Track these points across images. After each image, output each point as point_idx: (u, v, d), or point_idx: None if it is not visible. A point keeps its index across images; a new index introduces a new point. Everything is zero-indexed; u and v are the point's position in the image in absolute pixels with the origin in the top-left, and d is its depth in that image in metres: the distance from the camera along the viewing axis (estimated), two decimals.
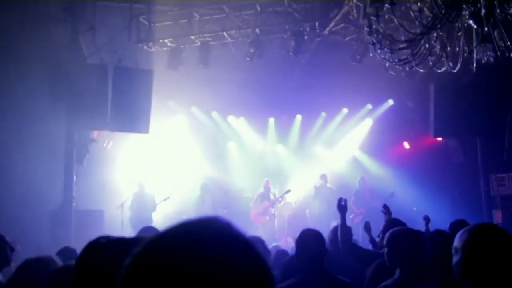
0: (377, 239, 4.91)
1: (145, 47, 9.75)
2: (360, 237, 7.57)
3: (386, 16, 6.28)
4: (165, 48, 9.86)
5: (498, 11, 4.73)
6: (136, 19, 9.49)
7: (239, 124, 13.15)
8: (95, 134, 10.17)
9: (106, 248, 1.43)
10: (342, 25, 8.83)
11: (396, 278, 2.81)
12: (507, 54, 5.32)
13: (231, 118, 13.10)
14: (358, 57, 9.09)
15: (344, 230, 4.31)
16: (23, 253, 6.07)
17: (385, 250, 2.95)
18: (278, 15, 9.21)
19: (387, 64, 6.76)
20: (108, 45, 9.37)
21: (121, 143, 11.19)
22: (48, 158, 8.83)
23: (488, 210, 9.94)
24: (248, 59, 9.30)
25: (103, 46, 9.34)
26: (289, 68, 10.92)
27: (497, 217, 9.52)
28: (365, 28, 6.10)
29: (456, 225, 3.99)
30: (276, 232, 10.89)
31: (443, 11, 4.63)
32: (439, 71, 6.08)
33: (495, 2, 4.62)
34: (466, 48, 5.48)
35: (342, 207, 4.35)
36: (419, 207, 10.51)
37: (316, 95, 11.57)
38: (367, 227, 5.47)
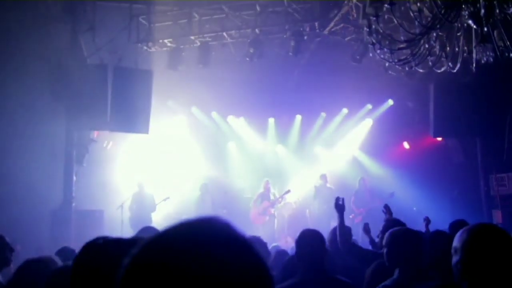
0: (376, 239, 4.91)
1: (145, 47, 9.75)
2: (360, 238, 7.57)
3: (386, 16, 6.27)
4: (164, 48, 9.87)
5: (497, 11, 4.73)
6: (136, 19, 9.49)
7: (239, 124, 13.15)
8: (95, 134, 10.17)
9: (103, 249, 1.43)
10: (341, 25, 8.83)
11: (396, 278, 2.81)
12: (506, 54, 5.32)
13: (231, 118, 13.10)
14: (357, 57, 9.09)
15: (342, 229, 4.31)
16: (23, 253, 6.08)
17: (385, 250, 2.95)
18: (278, 15, 9.21)
19: (387, 64, 6.77)
20: (108, 45, 9.37)
21: (121, 143, 11.20)
22: (48, 158, 8.84)
23: (488, 210, 9.95)
24: (247, 59, 9.30)
25: (103, 46, 9.35)
26: (288, 68, 10.92)
27: (497, 217, 9.52)
28: (365, 28, 6.10)
29: (456, 225, 3.99)
30: (276, 232, 10.89)
31: (442, 11, 4.63)
32: (439, 71, 6.08)
33: (495, 2, 4.62)
34: (465, 48, 5.49)
35: (339, 206, 4.34)
36: (419, 207, 10.52)
37: (315, 95, 11.58)
38: (366, 229, 5.46)
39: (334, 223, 5.54)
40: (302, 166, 12.60)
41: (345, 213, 4.45)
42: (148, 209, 10.04)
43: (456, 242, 1.89)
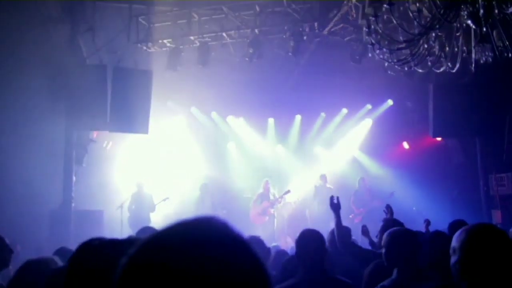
0: (375, 240, 4.91)
1: (144, 48, 9.75)
2: (359, 238, 7.57)
3: (385, 17, 6.28)
4: (164, 49, 9.87)
5: (496, 11, 4.73)
6: (135, 19, 9.49)
7: (239, 124, 13.15)
8: (94, 134, 10.18)
9: (98, 250, 1.43)
10: (341, 25, 8.83)
11: (394, 278, 2.81)
12: (505, 54, 5.33)
13: (230, 119, 13.10)
14: (357, 57, 9.09)
15: (340, 228, 4.30)
16: (23, 253, 6.08)
17: (383, 250, 2.95)
18: (277, 15, 9.21)
19: (386, 64, 6.77)
20: (107, 46, 9.38)
21: (120, 144, 11.20)
22: (48, 158, 8.84)
23: (488, 210, 9.95)
24: (247, 59, 9.30)
25: (103, 47, 9.36)
26: (288, 68, 10.92)
27: (497, 217, 9.53)
28: (364, 29, 6.11)
29: (455, 225, 3.99)
30: (275, 232, 10.88)
31: (441, 12, 4.64)
32: (438, 71, 6.09)
33: (494, 2, 4.62)
34: (464, 48, 5.49)
35: (334, 205, 4.34)
36: (419, 207, 10.53)
37: (315, 95, 11.58)
38: (365, 231, 5.45)
39: (334, 223, 5.53)
40: (301, 166, 12.60)
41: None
42: (147, 209, 10.04)
43: (454, 242, 1.89)
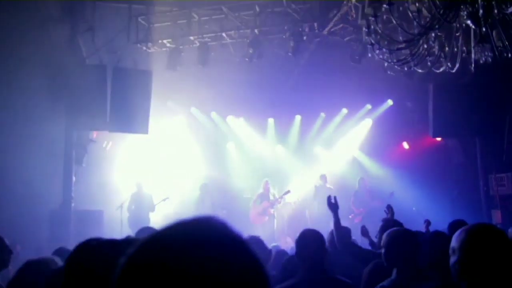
0: (375, 240, 4.91)
1: (144, 48, 9.75)
2: (359, 238, 7.58)
3: (385, 17, 6.28)
4: (164, 49, 9.86)
5: (496, 11, 4.74)
6: (135, 19, 9.50)
7: (239, 124, 13.15)
8: (94, 134, 10.18)
9: (96, 250, 1.43)
10: (341, 25, 8.83)
11: (393, 278, 2.81)
12: (505, 54, 5.33)
13: (230, 119, 13.10)
14: (357, 57, 9.09)
15: (338, 228, 4.30)
16: (23, 253, 6.09)
17: (383, 250, 2.95)
18: (277, 15, 9.21)
19: (386, 64, 6.78)
20: (107, 46, 9.39)
21: (120, 144, 11.20)
22: (47, 158, 8.84)
23: (488, 210, 9.95)
24: (247, 59, 9.30)
25: (102, 47, 9.36)
26: (288, 68, 10.92)
27: (496, 217, 9.53)
28: (364, 29, 6.10)
29: (455, 225, 3.99)
30: (275, 233, 10.88)
31: (441, 12, 4.64)
32: (438, 71, 6.08)
33: (493, 3, 4.63)
34: (464, 48, 5.50)
35: (332, 205, 4.33)
36: (419, 207, 10.52)
37: (315, 96, 11.57)
38: (364, 232, 5.45)
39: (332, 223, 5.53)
40: (301, 166, 12.60)
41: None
42: (147, 209, 10.05)
43: (454, 242, 1.89)
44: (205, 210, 10.29)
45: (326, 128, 13.04)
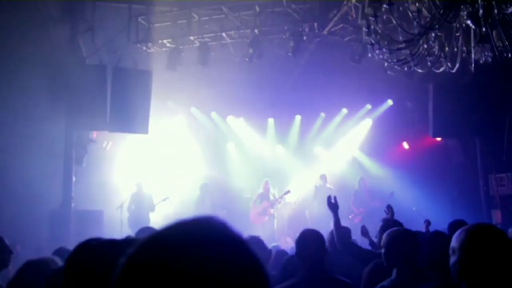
0: (375, 240, 4.91)
1: (144, 48, 9.75)
2: (359, 238, 7.58)
3: (385, 17, 6.28)
4: (164, 49, 9.87)
5: (496, 11, 4.74)
6: (135, 19, 9.50)
7: (239, 124, 13.15)
8: (94, 134, 10.17)
9: (96, 250, 1.44)
10: (341, 25, 8.83)
11: (393, 278, 2.81)
12: (505, 54, 5.33)
13: (230, 119, 13.10)
14: (357, 57, 9.09)
15: (338, 227, 4.30)
16: (22, 253, 6.09)
17: (383, 250, 2.95)
18: (277, 15, 9.21)
19: (386, 64, 6.77)
20: (107, 46, 9.38)
21: (120, 144, 11.20)
22: (47, 158, 8.84)
23: (488, 210, 9.96)
24: (247, 59, 9.30)
25: (102, 47, 9.36)
26: (288, 68, 10.92)
27: (496, 217, 9.53)
28: (364, 29, 6.10)
29: (455, 225, 3.99)
30: (275, 233, 10.88)
31: (441, 12, 4.64)
32: (438, 71, 6.08)
33: (493, 3, 4.63)
34: (464, 48, 5.50)
35: (332, 205, 4.33)
36: (419, 207, 10.52)
37: (315, 96, 11.58)
38: (364, 232, 5.44)
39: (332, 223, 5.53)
40: (301, 166, 12.60)
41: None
42: (147, 209, 10.05)
43: (454, 242, 1.89)
44: (205, 210, 10.28)
45: (326, 128, 13.04)
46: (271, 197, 11.26)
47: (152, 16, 9.57)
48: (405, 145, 12.57)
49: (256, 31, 9.24)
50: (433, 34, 5.49)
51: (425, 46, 5.61)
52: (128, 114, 9.16)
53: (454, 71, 5.83)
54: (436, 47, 5.69)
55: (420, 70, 6.24)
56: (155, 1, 9.39)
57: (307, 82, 11.33)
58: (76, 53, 9.17)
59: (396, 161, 11.90)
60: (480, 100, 9.32)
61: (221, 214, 9.75)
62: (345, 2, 7.98)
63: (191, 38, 9.61)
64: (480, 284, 1.80)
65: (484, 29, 4.89)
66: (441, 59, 5.79)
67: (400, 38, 5.98)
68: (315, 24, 8.94)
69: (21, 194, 8.03)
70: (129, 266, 0.73)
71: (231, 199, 11.64)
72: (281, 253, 4.96)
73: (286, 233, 11.15)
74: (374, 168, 12.38)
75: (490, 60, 5.34)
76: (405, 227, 3.51)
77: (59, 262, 2.70)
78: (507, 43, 5.22)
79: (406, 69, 6.40)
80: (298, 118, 13.05)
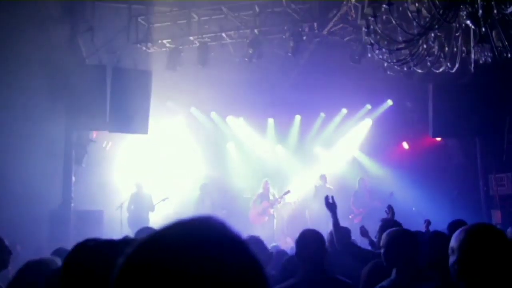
0: (375, 240, 4.91)
1: (144, 48, 9.75)
2: (359, 238, 7.58)
3: (384, 17, 6.28)
4: (163, 49, 9.87)
5: (495, 11, 4.74)
6: (134, 19, 9.50)
7: (238, 124, 13.15)
8: (94, 134, 10.18)
9: (94, 250, 1.44)
10: (340, 25, 8.83)
11: (393, 278, 2.81)
12: (504, 54, 5.33)
13: (230, 119, 13.11)
14: (356, 57, 9.09)
15: (337, 227, 4.30)
16: (22, 253, 6.08)
17: (382, 250, 2.95)
18: (277, 15, 9.21)
19: (386, 64, 6.77)
20: (106, 46, 9.38)
21: (120, 144, 11.20)
22: (47, 158, 8.85)
23: (487, 210, 9.96)
24: (246, 59, 9.30)
25: (102, 47, 9.36)
26: (288, 68, 10.92)
27: (496, 217, 9.53)
28: (363, 29, 6.10)
29: (454, 225, 3.99)
30: (275, 233, 10.88)
31: (440, 12, 4.64)
32: (438, 71, 6.08)
33: (493, 3, 4.63)
34: (464, 48, 5.50)
35: (330, 205, 4.32)
36: (419, 207, 10.52)
37: (315, 96, 11.58)
38: (364, 232, 5.44)
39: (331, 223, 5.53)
40: (301, 166, 12.60)
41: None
42: (146, 209, 10.05)
43: (453, 242, 1.89)
44: (205, 210, 10.28)
45: (326, 128, 13.04)
46: (271, 197, 11.26)
47: (151, 16, 9.57)
48: (405, 145, 12.57)
49: (255, 31, 9.24)
50: (432, 34, 5.50)
51: (425, 46, 5.61)
52: (127, 114, 9.17)
53: (453, 71, 5.83)
54: (436, 47, 5.69)
55: (419, 70, 6.24)
56: (155, 1, 9.39)
57: (307, 82, 11.33)
58: (76, 53, 9.17)
59: (396, 161, 11.90)
60: (480, 100, 9.32)
61: (221, 214, 9.75)
62: (344, 2, 7.98)
63: (191, 38, 9.61)
64: (479, 284, 1.80)
65: (483, 29, 4.89)
66: (441, 59, 5.79)
67: (400, 38, 5.98)
68: (315, 24, 8.94)
69: (21, 194, 8.03)
70: (128, 266, 0.73)
71: (231, 199, 11.64)
72: (281, 253, 4.96)
73: (286, 233, 11.16)
74: (374, 168, 12.38)
75: (489, 60, 5.34)
76: (404, 228, 3.51)
77: (59, 262, 2.70)
78: (506, 43, 5.22)
79: (405, 69, 6.40)
80: (298, 118, 13.05)
